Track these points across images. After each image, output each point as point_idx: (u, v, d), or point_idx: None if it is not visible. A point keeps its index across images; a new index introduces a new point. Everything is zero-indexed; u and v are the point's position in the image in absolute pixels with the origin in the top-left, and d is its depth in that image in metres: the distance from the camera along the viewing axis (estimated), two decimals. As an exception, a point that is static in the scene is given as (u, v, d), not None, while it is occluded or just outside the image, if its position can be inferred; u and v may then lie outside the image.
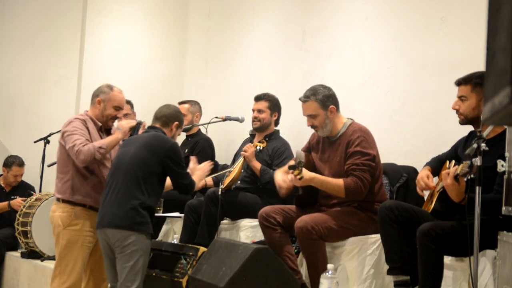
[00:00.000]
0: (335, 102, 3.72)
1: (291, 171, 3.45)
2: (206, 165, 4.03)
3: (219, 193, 4.30)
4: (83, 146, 3.59)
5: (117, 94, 3.87)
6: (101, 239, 3.52)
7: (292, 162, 3.59)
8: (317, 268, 3.42)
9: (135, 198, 3.42)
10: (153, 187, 3.50)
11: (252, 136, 4.88)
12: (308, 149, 3.90)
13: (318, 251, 3.46)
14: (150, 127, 3.75)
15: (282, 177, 3.68)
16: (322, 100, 3.66)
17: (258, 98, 4.75)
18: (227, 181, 4.46)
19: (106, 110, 3.83)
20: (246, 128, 5.05)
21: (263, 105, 4.71)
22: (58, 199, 3.73)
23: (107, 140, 3.73)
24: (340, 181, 3.52)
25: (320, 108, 3.66)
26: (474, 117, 3.12)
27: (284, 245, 3.64)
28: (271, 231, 3.65)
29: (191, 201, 4.58)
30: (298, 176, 3.36)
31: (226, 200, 4.35)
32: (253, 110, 4.75)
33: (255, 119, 4.72)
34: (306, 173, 3.44)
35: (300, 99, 3.74)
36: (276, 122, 4.81)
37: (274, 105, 4.73)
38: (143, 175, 3.47)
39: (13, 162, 6.25)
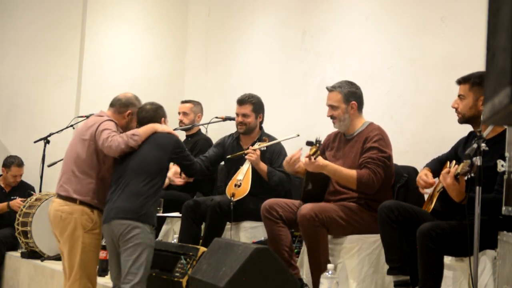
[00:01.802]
0: (359, 101, 3.78)
1: (307, 153, 3.46)
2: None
3: (231, 208, 4.16)
4: (114, 136, 3.63)
5: None
6: (107, 235, 3.57)
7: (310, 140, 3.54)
8: (319, 258, 3.42)
9: (142, 193, 3.52)
10: (160, 183, 3.64)
11: (237, 138, 4.68)
12: (323, 151, 3.91)
13: (320, 239, 3.45)
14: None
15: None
16: (346, 94, 3.74)
17: (241, 102, 4.55)
18: (238, 193, 4.26)
19: (132, 123, 3.92)
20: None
21: (247, 109, 4.52)
22: (73, 200, 3.69)
23: (141, 129, 3.73)
24: (353, 172, 3.55)
25: (342, 101, 3.74)
26: (471, 116, 3.14)
27: (283, 239, 3.66)
28: (272, 223, 3.67)
29: (188, 201, 4.56)
30: (314, 156, 3.37)
31: (228, 207, 4.24)
32: (237, 114, 4.55)
33: (240, 123, 4.54)
34: (320, 159, 3.47)
35: (327, 87, 3.82)
36: (261, 123, 4.66)
37: (258, 107, 4.57)
38: (152, 172, 3.59)
39: (12, 162, 6.24)
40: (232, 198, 4.20)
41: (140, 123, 3.81)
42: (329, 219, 3.46)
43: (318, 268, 3.39)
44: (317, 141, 3.40)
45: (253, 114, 4.54)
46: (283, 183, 4.38)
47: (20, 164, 6.27)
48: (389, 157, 3.65)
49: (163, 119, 3.85)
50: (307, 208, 3.45)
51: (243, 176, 4.36)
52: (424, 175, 3.26)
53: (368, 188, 3.55)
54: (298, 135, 4.33)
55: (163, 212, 4.80)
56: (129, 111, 3.90)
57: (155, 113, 3.83)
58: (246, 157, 4.39)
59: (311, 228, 3.42)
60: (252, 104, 4.54)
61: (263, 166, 4.37)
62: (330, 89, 3.80)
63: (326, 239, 3.50)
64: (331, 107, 3.78)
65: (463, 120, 3.19)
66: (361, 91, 3.83)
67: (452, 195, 2.85)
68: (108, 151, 3.63)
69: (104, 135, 3.64)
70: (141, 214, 3.48)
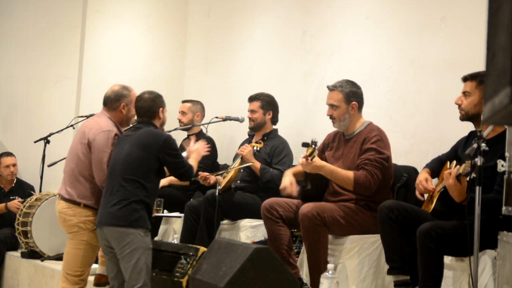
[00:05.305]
0: (359, 101, 3.77)
1: (303, 154, 3.46)
2: (200, 144, 4.03)
3: (217, 193, 4.31)
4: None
5: (134, 93, 3.93)
6: (102, 239, 3.56)
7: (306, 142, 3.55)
8: (318, 258, 3.42)
9: (132, 197, 3.45)
10: (151, 184, 3.54)
11: (251, 136, 4.90)
12: (322, 150, 3.92)
13: (320, 238, 3.45)
14: (140, 123, 3.71)
15: (290, 179, 3.77)
16: (347, 94, 3.73)
17: (250, 99, 4.82)
18: (224, 181, 4.50)
19: (130, 112, 3.91)
20: (246, 128, 5.05)
21: (255, 105, 4.76)
22: (77, 203, 3.73)
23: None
24: (350, 173, 3.55)
25: (343, 101, 3.73)
26: (474, 113, 3.14)
27: (283, 239, 3.66)
28: (272, 223, 3.68)
29: (191, 201, 4.59)
30: (310, 157, 3.37)
31: (224, 201, 4.36)
32: (248, 112, 4.81)
33: (249, 119, 4.79)
34: (317, 160, 3.46)
35: (327, 86, 3.80)
36: (274, 121, 4.81)
37: (267, 103, 4.75)
38: (141, 174, 3.49)
39: (1, 155, 6.26)
40: (219, 186, 4.39)
41: (138, 113, 3.73)
42: (331, 219, 3.46)
43: (317, 268, 3.39)
44: (313, 142, 3.40)
45: (260, 110, 4.74)
46: (276, 180, 4.44)
47: (9, 153, 6.28)
48: (387, 159, 3.64)
49: (161, 109, 3.73)
50: (308, 207, 3.45)
51: (232, 166, 4.61)
52: (424, 180, 3.25)
53: (365, 189, 3.54)
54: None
55: (163, 212, 4.80)
56: (123, 104, 3.87)
57: (153, 103, 3.70)
58: (237, 151, 4.62)
59: (312, 227, 3.42)
60: (260, 101, 4.75)
61: (256, 163, 4.51)
62: (331, 88, 3.78)
63: (326, 238, 3.50)
64: (332, 106, 3.77)
65: (465, 117, 3.19)
66: (362, 91, 3.83)
67: (454, 195, 2.85)
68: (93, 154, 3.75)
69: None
70: (132, 220, 3.42)
